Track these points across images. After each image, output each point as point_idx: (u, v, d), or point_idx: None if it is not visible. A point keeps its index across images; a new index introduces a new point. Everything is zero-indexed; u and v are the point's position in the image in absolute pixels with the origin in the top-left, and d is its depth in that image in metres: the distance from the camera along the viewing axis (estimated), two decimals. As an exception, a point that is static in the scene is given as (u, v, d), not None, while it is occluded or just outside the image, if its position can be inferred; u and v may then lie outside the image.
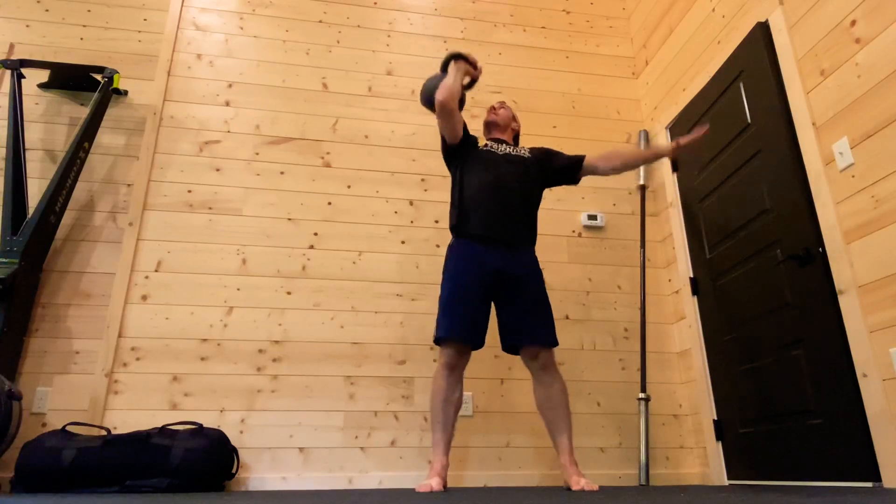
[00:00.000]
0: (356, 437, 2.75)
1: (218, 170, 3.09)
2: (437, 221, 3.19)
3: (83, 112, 3.06)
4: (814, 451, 2.21)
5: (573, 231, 3.31)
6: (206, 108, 3.20)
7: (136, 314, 2.78)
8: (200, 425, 2.48)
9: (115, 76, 3.05)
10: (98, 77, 3.05)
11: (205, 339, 2.79)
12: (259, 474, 2.63)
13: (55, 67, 3.02)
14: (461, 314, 2.24)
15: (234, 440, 2.64)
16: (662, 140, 3.36)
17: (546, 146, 2.76)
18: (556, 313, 2.27)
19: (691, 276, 3.06)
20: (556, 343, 2.31)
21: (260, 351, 2.82)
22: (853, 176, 2.10)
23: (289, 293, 2.93)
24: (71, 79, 3.06)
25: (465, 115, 3.44)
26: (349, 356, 2.88)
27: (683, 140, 2.49)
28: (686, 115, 3.15)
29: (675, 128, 3.26)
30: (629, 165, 2.55)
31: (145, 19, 3.31)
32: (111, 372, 2.67)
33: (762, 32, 2.56)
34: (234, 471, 2.54)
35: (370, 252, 3.08)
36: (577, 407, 2.93)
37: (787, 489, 1.95)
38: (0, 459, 2.44)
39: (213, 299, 2.86)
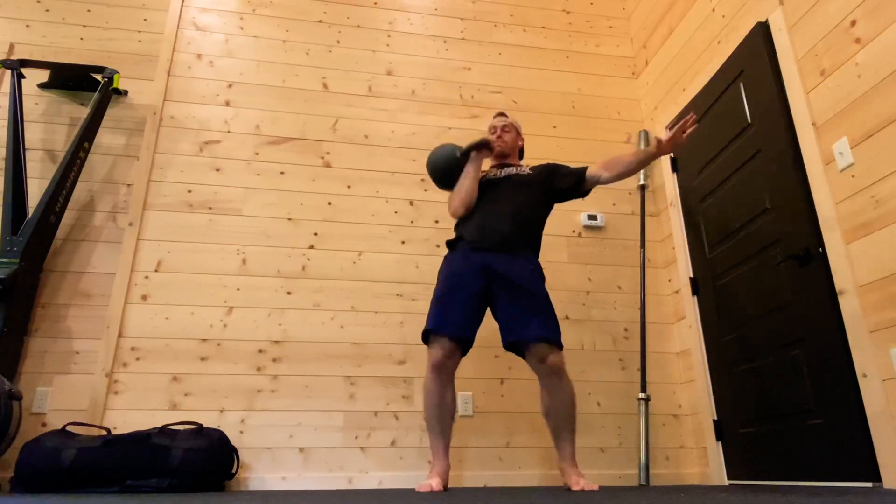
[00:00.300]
0: (356, 437, 2.75)
1: (218, 170, 3.10)
2: (437, 221, 3.19)
3: (83, 112, 3.06)
4: (814, 451, 2.21)
5: (573, 231, 3.31)
6: (206, 108, 3.20)
7: (136, 314, 2.78)
8: (200, 425, 2.48)
9: (115, 76, 3.05)
10: (98, 77, 3.05)
11: (205, 339, 2.79)
12: (259, 474, 2.63)
13: (55, 67, 3.02)
14: (448, 308, 2.25)
15: (234, 440, 2.64)
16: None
17: (550, 153, 2.74)
18: (557, 313, 2.26)
19: (691, 276, 3.06)
20: (557, 338, 2.21)
21: (260, 351, 2.82)
22: (853, 176, 2.10)
23: (289, 293, 2.93)
24: (71, 79, 3.06)
25: (464, 114, 3.45)
26: (349, 356, 2.88)
27: (666, 136, 2.36)
28: (686, 115, 3.15)
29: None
30: (630, 171, 2.44)
31: (145, 19, 3.31)
32: (111, 372, 2.67)
33: (762, 32, 2.56)
34: (234, 471, 2.54)
35: (370, 252, 3.08)
36: (578, 407, 2.92)
37: (787, 489, 1.95)
38: (0, 459, 2.44)
39: (213, 299, 2.86)
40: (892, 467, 1.90)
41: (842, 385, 2.10)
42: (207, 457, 2.37)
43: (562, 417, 2.23)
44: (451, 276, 2.31)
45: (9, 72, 3.02)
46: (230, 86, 3.27)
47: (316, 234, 3.07)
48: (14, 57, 3.10)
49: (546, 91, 3.62)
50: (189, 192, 3.03)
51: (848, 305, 2.08)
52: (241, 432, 2.68)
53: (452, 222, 2.61)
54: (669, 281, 3.26)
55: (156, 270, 2.87)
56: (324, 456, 2.70)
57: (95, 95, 2.97)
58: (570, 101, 3.62)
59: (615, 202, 3.42)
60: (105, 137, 3.05)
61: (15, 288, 2.53)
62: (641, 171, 3.39)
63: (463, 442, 2.80)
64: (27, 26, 3.18)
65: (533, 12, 3.82)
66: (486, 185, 2.48)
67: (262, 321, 2.87)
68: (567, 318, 3.12)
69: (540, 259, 2.45)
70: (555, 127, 3.54)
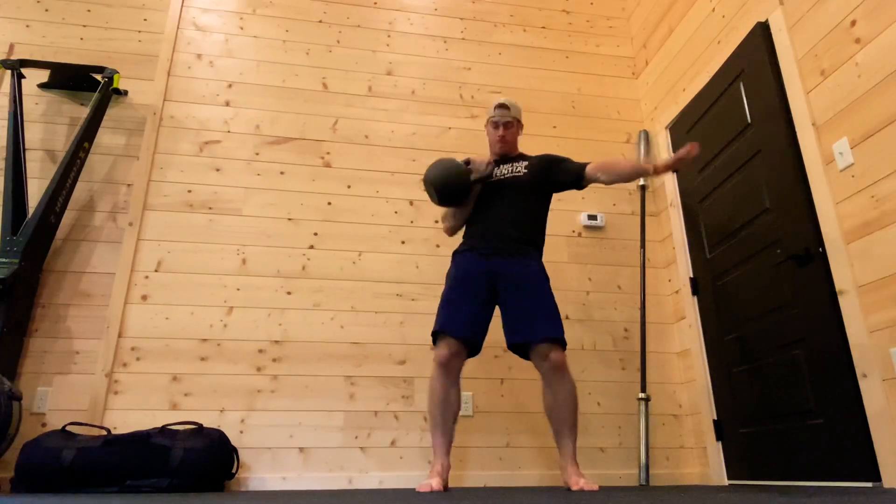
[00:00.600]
0: (356, 437, 2.75)
1: (218, 170, 3.09)
2: (436, 221, 3.19)
3: (83, 112, 3.06)
4: (814, 451, 2.21)
5: (573, 231, 3.31)
6: (206, 108, 3.20)
7: (136, 314, 2.78)
8: (200, 425, 2.48)
9: (115, 76, 3.05)
10: (98, 77, 3.05)
11: (205, 339, 2.79)
12: (259, 474, 2.63)
13: (55, 67, 3.02)
14: (455, 310, 2.30)
15: (234, 440, 2.65)
16: (662, 140, 3.36)
17: (550, 152, 2.74)
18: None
19: (691, 276, 3.06)
20: (561, 336, 2.23)
21: (260, 351, 2.82)
22: (853, 176, 2.10)
23: (289, 293, 2.93)
24: (71, 79, 3.05)
25: (464, 114, 3.45)
26: (349, 356, 2.88)
27: (660, 163, 2.35)
28: (686, 116, 3.15)
29: (675, 128, 3.26)
30: (624, 180, 2.42)
31: (145, 19, 3.31)
32: (111, 372, 2.67)
33: (762, 32, 2.56)
34: (234, 471, 2.54)
35: (370, 252, 3.08)
36: (578, 407, 2.93)
37: (787, 489, 1.95)
38: (0, 459, 2.44)
39: (213, 299, 2.86)
40: (892, 467, 1.90)
41: (842, 385, 2.10)
42: (207, 457, 2.37)
43: (563, 415, 2.25)
44: (459, 278, 2.37)
45: (9, 72, 3.02)
46: (230, 86, 3.27)
47: (316, 234, 3.07)
48: (14, 57, 3.10)
49: (546, 91, 3.62)
50: (189, 192, 3.03)
51: (848, 305, 2.08)
52: (241, 432, 2.68)
53: (452, 222, 2.61)
54: (669, 281, 3.26)
55: (156, 270, 2.87)
56: (324, 456, 2.70)
57: (95, 95, 2.97)
58: (570, 101, 3.62)
59: (615, 202, 3.42)
60: (105, 137, 3.05)
61: (15, 288, 2.53)
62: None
63: (463, 442, 2.80)
64: (27, 26, 3.18)
65: (533, 12, 3.82)
66: (488, 189, 2.50)
67: (262, 321, 2.87)
68: (567, 318, 3.12)
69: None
70: (555, 127, 3.54)
